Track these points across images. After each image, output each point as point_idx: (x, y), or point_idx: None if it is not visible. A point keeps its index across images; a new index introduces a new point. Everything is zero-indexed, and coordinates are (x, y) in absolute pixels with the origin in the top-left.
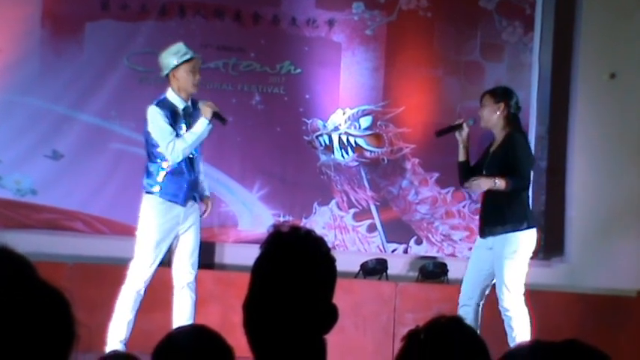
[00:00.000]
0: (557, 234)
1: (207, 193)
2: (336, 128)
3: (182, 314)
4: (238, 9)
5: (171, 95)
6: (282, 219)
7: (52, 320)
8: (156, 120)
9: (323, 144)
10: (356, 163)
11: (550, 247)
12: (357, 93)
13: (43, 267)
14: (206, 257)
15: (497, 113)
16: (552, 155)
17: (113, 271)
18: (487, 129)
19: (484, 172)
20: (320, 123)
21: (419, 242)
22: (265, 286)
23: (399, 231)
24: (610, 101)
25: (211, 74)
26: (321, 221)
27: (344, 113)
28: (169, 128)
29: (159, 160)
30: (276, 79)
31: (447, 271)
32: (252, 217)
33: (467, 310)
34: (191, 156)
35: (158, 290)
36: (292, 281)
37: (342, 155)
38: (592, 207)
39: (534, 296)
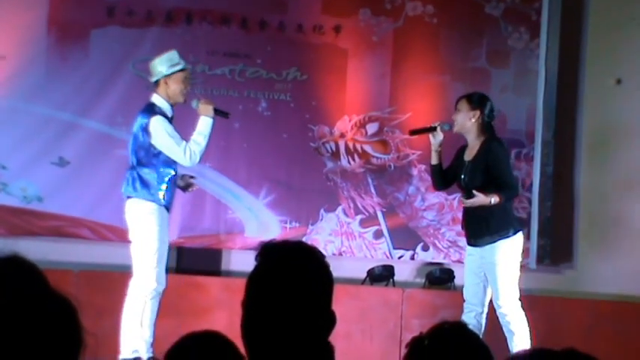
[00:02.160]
0: (565, 240)
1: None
2: (343, 135)
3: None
4: (244, 16)
5: (159, 101)
6: (288, 225)
7: (60, 328)
8: (164, 129)
9: (329, 150)
10: (362, 170)
11: (558, 254)
12: (363, 99)
13: (49, 274)
14: (212, 264)
15: (472, 120)
16: (559, 161)
17: (119, 278)
18: (460, 134)
19: (464, 180)
20: (326, 129)
21: (425, 248)
22: (263, 297)
23: (405, 237)
24: (616, 107)
25: (217, 81)
26: (328, 228)
27: (350, 120)
28: (178, 134)
29: (164, 170)
30: (282, 86)
31: (454, 277)
32: (258, 223)
33: (471, 317)
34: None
35: (167, 296)
36: (289, 290)
37: (349, 162)
38: (600, 212)
39: (543, 302)
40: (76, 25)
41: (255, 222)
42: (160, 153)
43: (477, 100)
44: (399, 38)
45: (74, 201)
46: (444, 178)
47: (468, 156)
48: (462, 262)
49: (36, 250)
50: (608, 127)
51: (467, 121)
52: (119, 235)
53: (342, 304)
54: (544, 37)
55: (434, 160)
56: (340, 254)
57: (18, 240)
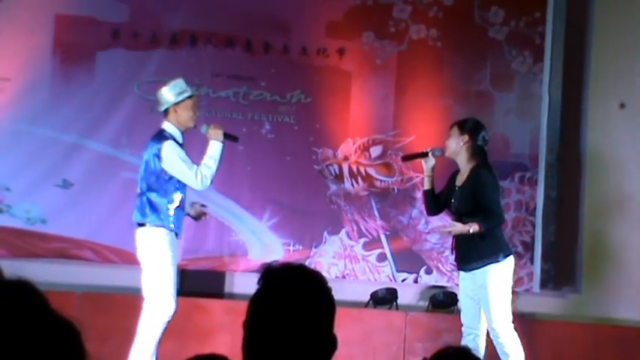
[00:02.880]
0: (568, 264)
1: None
2: (346, 157)
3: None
4: (249, 38)
5: (170, 129)
6: (292, 248)
7: (63, 351)
8: (176, 153)
9: (333, 173)
10: (366, 193)
11: (561, 277)
12: (367, 122)
13: (52, 296)
14: (216, 286)
15: (461, 144)
16: (562, 185)
17: (122, 301)
18: (451, 158)
19: (453, 205)
20: (330, 152)
21: (429, 272)
22: (264, 321)
23: (409, 260)
24: (619, 131)
25: (222, 103)
26: (331, 250)
27: (354, 142)
28: (189, 159)
29: (174, 195)
30: (286, 108)
31: (457, 300)
32: (262, 246)
33: (470, 340)
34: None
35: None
36: (291, 314)
37: (352, 184)
38: (603, 236)
39: (546, 327)
40: (82, 47)
41: (259, 244)
42: (170, 179)
43: (469, 126)
44: (403, 61)
45: (78, 223)
46: (436, 203)
47: (459, 181)
48: None
49: (39, 272)
50: (611, 151)
51: (456, 146)
52: (123, 258)
53: (345, 327)
54: (548, 60)
55: (426, 186)
56: (343, 277)
57: (21, 262)
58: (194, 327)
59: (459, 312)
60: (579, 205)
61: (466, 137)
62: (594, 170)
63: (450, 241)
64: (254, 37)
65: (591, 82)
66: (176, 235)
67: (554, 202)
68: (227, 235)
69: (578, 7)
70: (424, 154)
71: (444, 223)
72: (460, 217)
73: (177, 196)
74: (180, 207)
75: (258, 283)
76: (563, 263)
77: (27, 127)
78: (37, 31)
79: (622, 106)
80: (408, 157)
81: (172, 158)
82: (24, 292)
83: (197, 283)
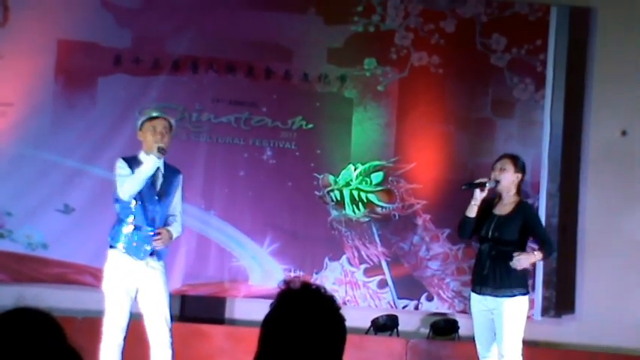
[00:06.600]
0: (569, 290)
1: (170, 228)
2: (348, 184)
3: None
4: (250, 64)
5: (141, 155)
6: (292, 274)
7: None
8: (117, 170)
9: (334, 199)
10: (367, 219)
11: (561, 304)
12: (368, 148)
13: None
14: (216, 312)
15: (515, 181)
16: (563, 212)
17: None
18: (499, 191)
19: (492, 233)
20: (331, 178)
21: (430, 298)
22: (275, 343)
23: (410, 287)
24: (621, 158)
25: (223, 129)
26: (332, 276)
27: (355, 169)
28: (127, 173)
29: (121, 216)
30: (287, 134)
31: (458, 327)
32: (262, 271)
33: None
34: (152, 213)
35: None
36: (301, 339)
37: (353, 211)
38: (604, 264)
39: (545, 353)
40: (84, 73)
41: (260, 270)
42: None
43: (521, 165)
44: (405, 88)
45: (79, 248)
46: (473, 230)
47: (501, 211)
48: (467, 313)
49: (40, 297)
50: (613, 178)
51: (511, 183)
52: None
53: (345, 353)
54: (549, 88)
55: (472, 214)
56: (344, 303)
57: (22, 287)
58: (194, 352)
59: (459, 339)
60: (580, 233)
61: (520, 176)
62: (595, 197)
63: (451, 267)
64: (255, 63)
65: (593, 109)
66: (137, 257)
67: (555, 229)
68: (228, 261)
69: (579, 35)
70: (483, 185)
71: (445, 250)
72: (496, 245)
73: (129, 217)
74: (134, 226)
75: (272, 304)
76: (564, 290)
77: (29, 152)
78: (39, 56)
79: (624, 133)
80: (470, 185)
81: (115, 174)
82: (27, 319)
83: (197, 309)
